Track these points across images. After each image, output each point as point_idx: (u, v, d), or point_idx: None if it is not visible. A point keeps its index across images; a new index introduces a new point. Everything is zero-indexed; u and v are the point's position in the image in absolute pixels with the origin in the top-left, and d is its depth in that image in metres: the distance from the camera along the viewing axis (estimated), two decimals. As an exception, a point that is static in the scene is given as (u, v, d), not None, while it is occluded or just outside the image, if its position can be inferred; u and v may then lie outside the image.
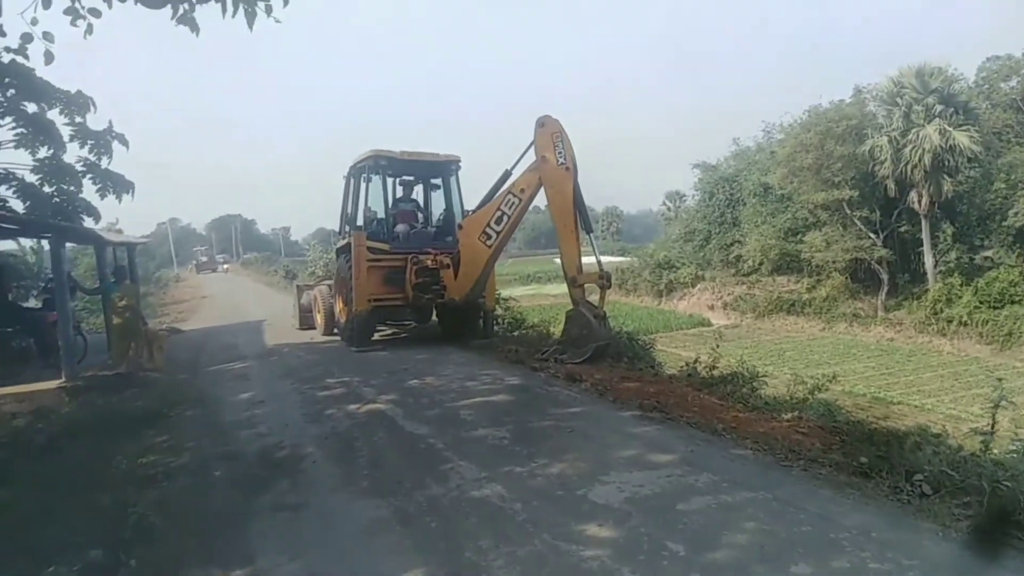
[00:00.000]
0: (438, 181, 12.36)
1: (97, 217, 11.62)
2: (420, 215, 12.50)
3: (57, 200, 11.15)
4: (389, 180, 11.97)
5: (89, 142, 10.40)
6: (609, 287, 9.54)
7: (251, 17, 5.02)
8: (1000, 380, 7.15)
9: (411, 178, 12.43)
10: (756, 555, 3.42)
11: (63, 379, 9.72)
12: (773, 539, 3.57)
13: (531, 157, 9.69)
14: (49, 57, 5.85)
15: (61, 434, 7.07)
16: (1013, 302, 28.43)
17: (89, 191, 11.27)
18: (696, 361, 8.78)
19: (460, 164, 12.04)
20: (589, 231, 9.73)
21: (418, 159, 11.81)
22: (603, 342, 9.05)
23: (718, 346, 8.94)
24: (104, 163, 10.88)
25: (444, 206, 12.25)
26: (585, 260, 9.52)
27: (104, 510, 4.63)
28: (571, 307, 9.42)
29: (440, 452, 5.36)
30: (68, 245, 19.12)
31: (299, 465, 5.37)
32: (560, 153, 9.22)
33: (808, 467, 4.70)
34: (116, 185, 10.41)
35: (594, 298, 9.76)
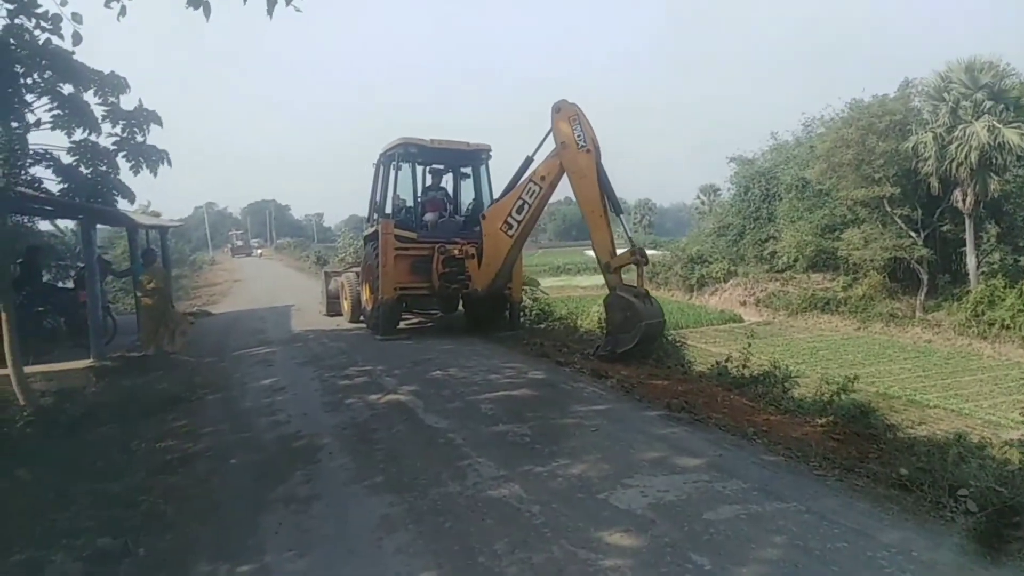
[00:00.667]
0: (468, 170, 12.18)
1: (132, 198, 11.61)
2: (449, 204, 12.33)
3: (92, 181, 11.19)
4: (418, 168, 11.83)
5: (121, 122, 10.36)
6: (646, 263, 8.91)
7: (271, 4, 4.90)
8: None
9: (441, 166, 12.27)
10: (787, 572, 3.20)
11: (91, 359, 9.81)
12: (806, 555, 3.34)
13: (551, 144, 9.44)
14: (77, 38, 5.80)
15: (85, 415, 7.10)
16: (1059, 306, 27.41)
17: (125, 172, 11.28)
18: (727, 360, 8.50)
19: (491, 153, 11.85)
20: (619, 213, 9.37)
21: (448, 147, 11.63)
22: (653, 320, 8.49)
23: (750, 344, 8.60)
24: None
25: (473, 195, 12.08)
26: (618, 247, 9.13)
27: (118, 495, 4.59)
28: (608, 295, 8.93)
29: (459, 447, 5.21)
30: (104, 227, 19.42)
31: (315, 456, 5.27)
32: (580, 136, 8.90)
33: (844, 477, 4.45)
34: (149, 158, 10.37)
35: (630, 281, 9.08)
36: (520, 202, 9.80)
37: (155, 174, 11.03)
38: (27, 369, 7.74)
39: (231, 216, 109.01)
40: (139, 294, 11.08)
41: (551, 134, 9.30)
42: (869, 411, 8.25)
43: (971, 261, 31.08)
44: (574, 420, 5.93)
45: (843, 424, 6.13)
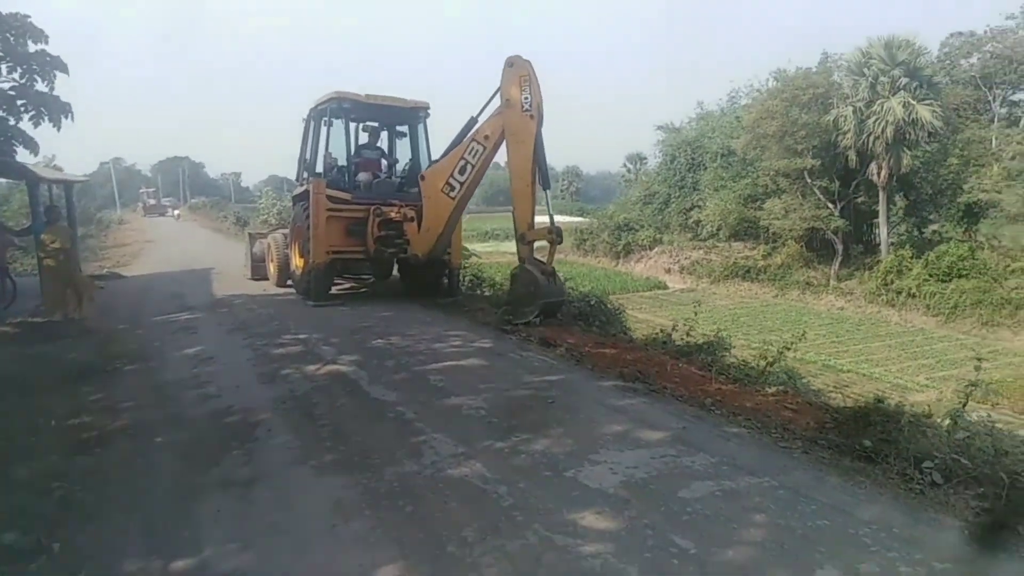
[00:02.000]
0: (405, 128, 11.63)
1: (35, 150, 10.55)
2: (384, 164, 11.77)
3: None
4: (352, 125, 11.20)
5: (20, 67, 9.33)
6: (560, 243, 9.07)
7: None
8: (979, 360, 7.04)
9: (376, 124, 11.66)
10: (775, 554, 3.07)
11: (-11, 326, 8.93)
12: (790, 535, 3.23)
13: (496, 104, 9.04)
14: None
15: (-17, 387, 6.38)
16: (960, 276, 29.16)
17: (24, 123, 10.21)
18: (673, 328, 8.46)
19: (429, 111, 11.32)
20: (547, 188, 9.04)
21: (384, 104, 11.04)
22: (553, 299, 8.69)
23: (696, 313, 8.57)
24: (41, 89, 9.83)
25: (410, 155, 11.55)
26: (538, 220, 9.01)
27: (26, 482, 4.05)
28: (516, 266, 9.00)
29: (411, 423, 4.89)
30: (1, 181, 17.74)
31: (252, 433, 4.83)
32: (526, 99, 8.52)
33: (808, 449, 4.40)
34: (52, 110, 9.39)
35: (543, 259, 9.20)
36: (463, 163, 9.42)
37: (58, 128, 10.05)
38: (-88, 337, 6.92)
39: (140, 173, 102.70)
40: (41, 255, 10.11)
41: (498, 91, 8.87)
42: (795, 377, 8.48)
43: (883, 232, 32.67)
44: (528, 391, 5.71)
45: (793, 393, 6.18)
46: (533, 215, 8.87)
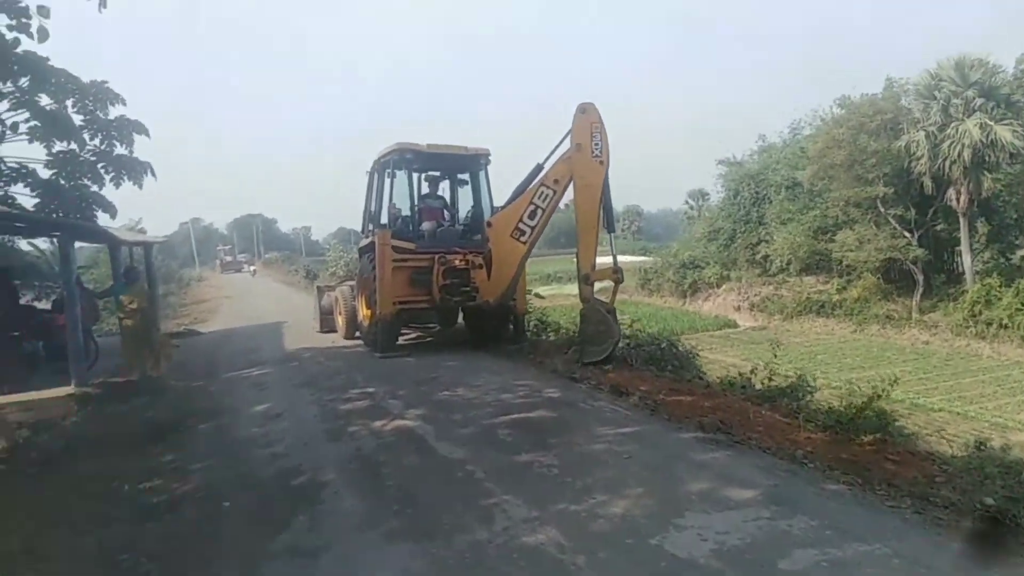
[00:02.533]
0: (466, 176, 11.69)
1: (113, 213, 11.02)
2: (447, 212, 11.82)
3: (70, 195, 10.61)
4: (415, 175, 11.31)
5: (100, 133, 9.79)
6: (622, 282, 9.43)
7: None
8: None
9: (437, 173, 11.75)
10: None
11: (72, 386, 9.20)
12: (913, 615, 2.84)
13: (565, 148, 9.19)
14: (43, 34, 5.26)
15: (63, 449, 6.54)
16: (1056, 304, 27.23)
17: (107, 187, 10.72)
18: (752, 371, 8.02)
19: (490, 158, 11.35)
20: (611, 231, 9.42)
21: (445, 152, 11.13)
22: (620, 336, 8.94)
23: (776, 355, 8.12)
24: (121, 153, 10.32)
25: (472, 202, 11.57)
26: (600, 260, 9.25)
27: (94, 554, 4.00)
28: (584, 306, 9.13)
29: (480, 483, 4.67)
30: (88, 245, 18.69)
31: (319, 495, 4.71)
32: (596, 144, 8.84)
33: (921, 508, 3.96)
34: (131, 170, 9.78)
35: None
36: (532, 207, 9.53)
37: (140, 186, 10.46)
38: (1, 399, 7.16)
39: (217, 231, 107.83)
40: (120, 315, 10.46)
41: (569, 135, 9.03)
42: (889, 421, 7.80)
43: (967, 260, 30.92)
44: (603, 445, 5.41)
45: (893, 442, 5.68)
46: (595, 256, 9.05)
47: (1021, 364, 26.48)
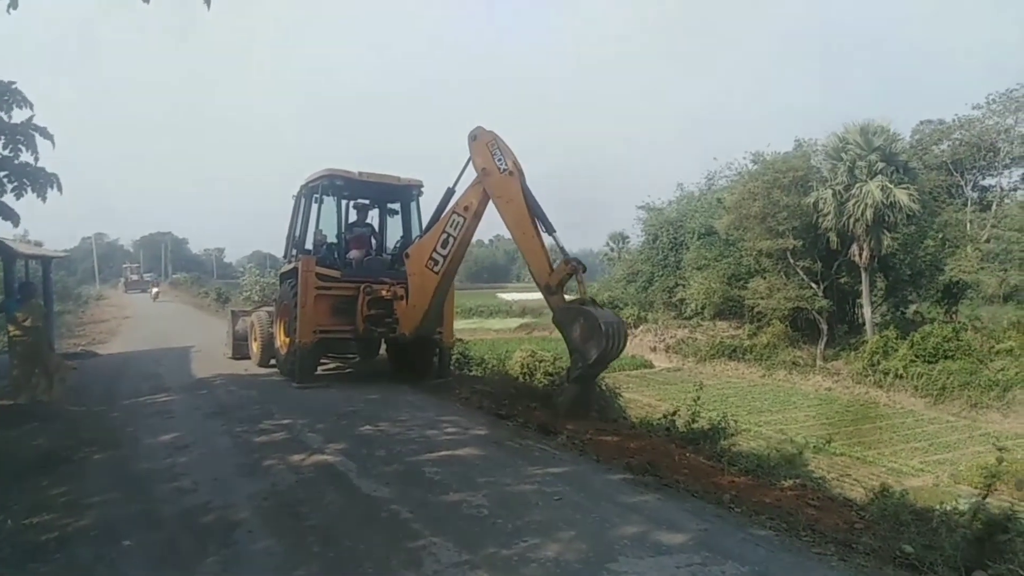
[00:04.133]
0: (396, 206, 11.50)
1: (16, 220, 10.18)
2: (375, 241, 11.58)
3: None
4: (344, 202, 11.05)
5: (2, 136, 9.06)
6: (584, 271, 8.15)
7: None
8: (1001, 450, 6.78)
9: (367, 201, 11.52)
10: None
11: (-51, 409, 8.40)
12: (848, 666, 2.83)
13: (472, 174, 8.92)
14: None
15: (-65, 478, 5.86)
16: (946, 357, 29.20)
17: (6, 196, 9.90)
18: (674, 413, 8.11)
19: (422, 189, 11.20)
20: (551, 232, 8.47)
21: (377, 181, 10.91)
22: (612, 320, 7.74)
23: (699, 398, 8.24)
24: (26, 159, 9.55)
25: (402, 233, 11.38)
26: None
27: (-31, 599, 3.56)
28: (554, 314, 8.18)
29: (407, 523, 4.45)
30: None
31: (231, 535, 4.36)
32: (500, 160, 8.44)
33: (845, 555, 4.02)
34: (35, 181, 9.05)
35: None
36: (445, 236, 9.14)
37: (44, 199, 9.70)
38: None
39: (122, 248, 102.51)
40: (11, 333, 9.65)
41: (470, 163, 8.81)
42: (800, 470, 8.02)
43: (867, 312, 32.91)
44: (532, 486, 5.28)
45: (812, 488, 5.82)
46: (550, 262, 8.32)
47: (914, 412, 28.15)
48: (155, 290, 50.62)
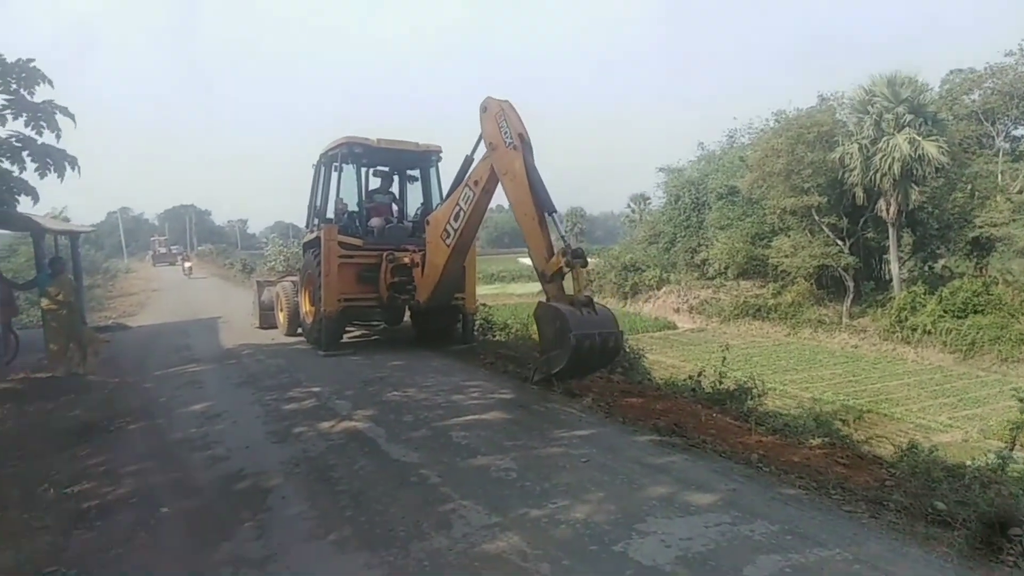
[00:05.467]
0: (416, 172, 11.43)
1: (35, 197, 10.32)
2: (396, 208, 11.55)
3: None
4: (363, 170, 11.00)
5: (25, 114, 9.15)
6: (584, 265, 7.21)
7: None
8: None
9: (386, 169, 11.46)
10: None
11: (-11, 382, 8.64)
12: (880, 623, 2.84)
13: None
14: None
15: (-20, 450, 6.04)
16: (976, 312, 28.72)
17: (28, 173, 10.03)
18: (700, 374, 8.08)
19: (441, 155, 11.12)
20: (551, 212, 7.55)
21: (396, 148, 10.83)
22: (593, 330, 6.67)
23: (725, 359, 8.20)
24: (48, 139, 9.66)
25: (422, 200, 11.33)
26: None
27: (18, 563, 3.69)
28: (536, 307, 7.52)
29: (436, 487, 4.51)
30: (5, 233, 17.60)
31: (265, 501, 4.46)
32: (506, 133, 7.94)
33: (875, 513, 4.01)
34: (57, 161, 9.16)
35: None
36: (457, 208, 8.90)
37: (61, 178, 9.83)
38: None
39: (148, 222, 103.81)
40: (45, 308, 9.84)
41: (481, 137, 8.45)
42: (825, 423, 7.95)
43: (894, 268, 32.33)
44: (559, 449, 5.32)
45: (841, 446, 5.79)
46: (550, 247, 7.56)
47: (942, 368, 27.84)
48: (187, 264, 43.64)
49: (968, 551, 3.49)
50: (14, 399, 8.09)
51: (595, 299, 7.16)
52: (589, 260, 7.87)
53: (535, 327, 7.69)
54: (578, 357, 6.60)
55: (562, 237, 7.59)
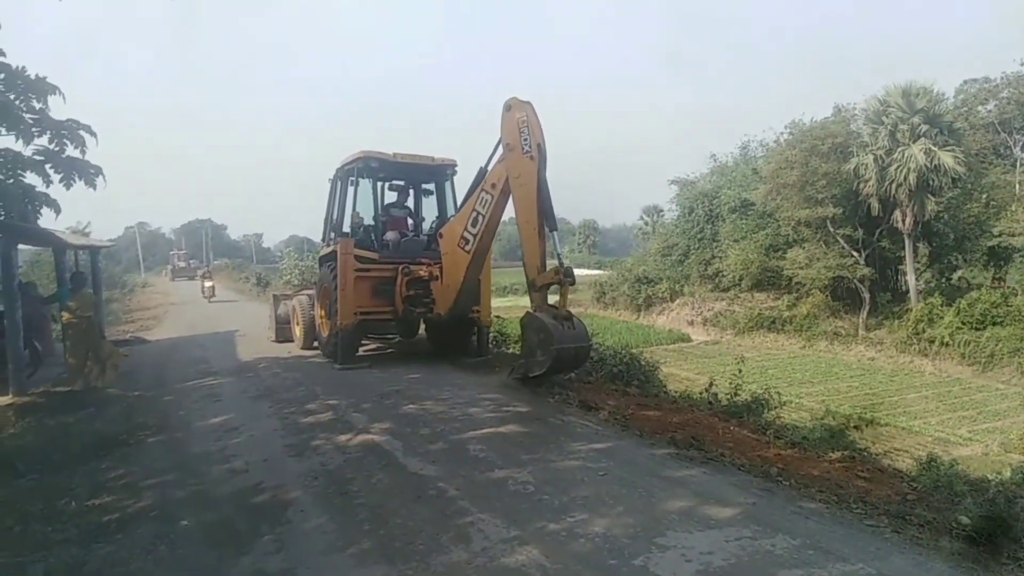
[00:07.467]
0: (431, 186, 11.51)
1: (57, 210, 10.46)
2: (411, 222, 11.63)
3: (12, 193, 10.03)
4: (379, 184, 11.10)
5: (48, 132, 9.29)
6: (572, 283, 7.95)
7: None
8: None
9: (402, 182, 11.56)
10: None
11: (11, 395, 8.73)
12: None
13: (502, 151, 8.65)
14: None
15: (1, 463, 6.11)
16: (995, 323, 28.32)
17: (54, 186, 10.18)
18: (711, 384, 8.05)
19: (456, 169, 11.20)
20: (553, 229, 8.16)
21: (411, 162, 10.92)
22: (569, 344, 7.70)
23: (741, 371, 8.17)
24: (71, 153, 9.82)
25: (437, 213, 11.40)
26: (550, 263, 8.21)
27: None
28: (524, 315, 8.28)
29: (454, 501, 4.52)
30: (25, 247, 17.85)
31: (283, 514, 4.48)
32: (526, 140, 8.05)
33: (899, 527, 3.97)
34: (82, 172, 9.31)
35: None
36: (475, 214, 9.03)
37: (94, 187, 9.95)
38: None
39: (164, 236, 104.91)
40: (65, 321, 9.96)
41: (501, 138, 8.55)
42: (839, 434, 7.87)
43: (911, 280, 32.02)
44: (577, 462, 5.31)
45: (861, 459, 5.74)
46: (544, 260, 8.14)
47: (961, 381, 27.45)
48: (208, 283, 34.34)
49: (996, 568, 3.45)
50: (35, 412, 8.18)
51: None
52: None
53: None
54: (556, 365, 7.74)
55: (558, 255, 8.24)
